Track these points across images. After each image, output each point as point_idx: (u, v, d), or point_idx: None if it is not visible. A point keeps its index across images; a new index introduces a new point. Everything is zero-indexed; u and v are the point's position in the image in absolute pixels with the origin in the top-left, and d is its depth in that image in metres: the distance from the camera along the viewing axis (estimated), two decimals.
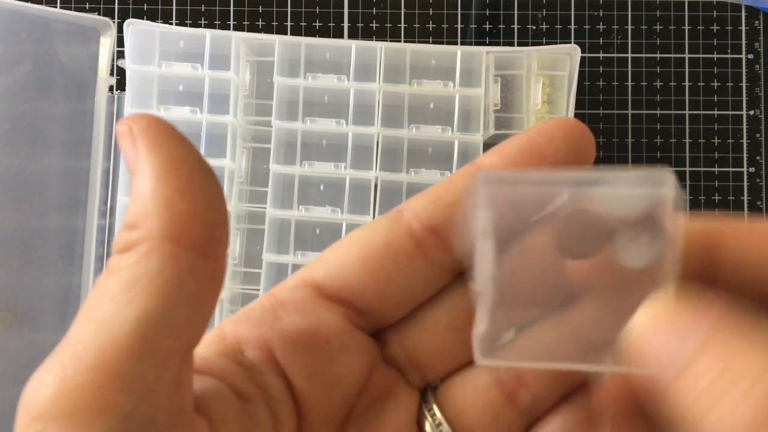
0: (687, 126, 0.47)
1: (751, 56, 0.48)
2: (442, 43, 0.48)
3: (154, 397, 0.17)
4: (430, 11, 0.48)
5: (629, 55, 0.48)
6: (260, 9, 0.48)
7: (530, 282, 0.22)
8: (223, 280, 0.19)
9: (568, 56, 0.42)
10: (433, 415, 0.23)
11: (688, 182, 0.48)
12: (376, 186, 0.42)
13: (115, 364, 0.17)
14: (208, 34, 0.43)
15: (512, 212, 0.21)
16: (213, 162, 0.42)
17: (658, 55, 0.48)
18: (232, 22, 0.48)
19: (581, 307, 0.22)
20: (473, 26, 0.48)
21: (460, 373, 0.23)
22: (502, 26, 0.48)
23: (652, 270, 0.20)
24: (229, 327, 0.21)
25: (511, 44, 0.48)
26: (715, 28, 0.48)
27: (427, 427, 0.23)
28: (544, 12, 0.48)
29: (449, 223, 0.22)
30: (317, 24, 0.48)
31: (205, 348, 0.21)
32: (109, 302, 0.17)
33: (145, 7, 0.48)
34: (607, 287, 0.21)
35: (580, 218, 0.21)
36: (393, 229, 0.22)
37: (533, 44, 0.48)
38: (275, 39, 0.43)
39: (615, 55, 0.48)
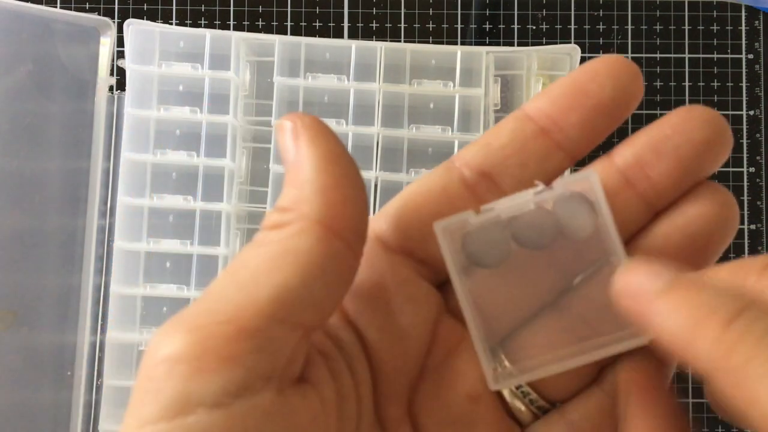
0: None
1: (751, 56, 0.48)
2: (442, 43, 0.48)
3: (276, 359, 0.18)
4: (430, 11, 0.48)
5: (629, 55, 0.48)
6: (260, 9, 0.48)
7: (513, 294, 0.23)
8: (356, 272, 0.21)
9: (568, 56, 0.42)
10: (503, 367, 0.23)
11: None
12: (376, 186, 0.42)
13: (249, 322, 0.18)
14: (208, 34, 0.43)
15: (476, 244, 0.22)
16: (213, 162, 0.42)
17: (658, 55, 0.48)
18: (232, 22, 0.48)
19: (567, 299, 0.23)
20: (473, 26, 0.48)
21: (528, 325, 0.23)
22: (502, 26, 0.48)
23: (598, 236, 0.22)
24: None
25: (511, 44, 0.48)
26: (715, 28, 0.48)
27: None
28: (544, 12, 0.48)
29: (499, 167, 0.23)
30: (317, 24, 0.48)
31: None
32: (255, 268, 0.19)
33: (145, 7, 0.48)
34: (571, 265, 0.23)
35: (531, 216, 0.22)
36: (446, 178, 0.23)
37: (533, 44, 0.48)
38: (275, 39, 0.43)
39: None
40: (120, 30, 0.44)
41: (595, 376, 0.23)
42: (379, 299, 0.22)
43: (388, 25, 0.48)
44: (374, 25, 0.48)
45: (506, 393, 0.23)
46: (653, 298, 0.18)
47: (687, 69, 0.48)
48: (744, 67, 0.48)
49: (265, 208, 0.42)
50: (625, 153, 0.22)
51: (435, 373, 0.22)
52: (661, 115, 0.23)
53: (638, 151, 0.22)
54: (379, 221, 0.23)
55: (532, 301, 0.23)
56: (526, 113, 0.23)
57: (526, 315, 0.23)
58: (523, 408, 0.23)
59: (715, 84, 0.48)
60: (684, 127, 0.22)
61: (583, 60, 0.44)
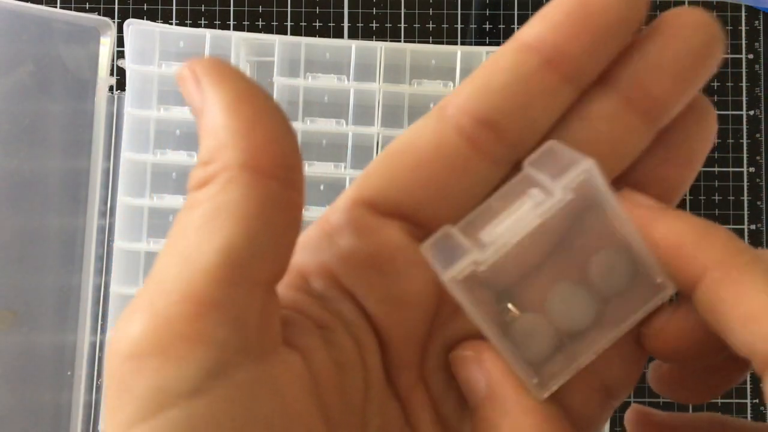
0: None
1: (751, 56, 0.48)
2: (442, 43, 0.48)
3: (246, 326, 0.17)
4: (430, 11, 0.48)
5: None
6: (260, 9, 0.48)
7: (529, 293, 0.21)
8: (302, 210, 0.19)
9: None
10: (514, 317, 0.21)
11: None
12: None
13: (205, 293, 0.17)
14: (208, 34, 0.43)
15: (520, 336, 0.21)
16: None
17: None
18: (232, 22, 0.48)
19: (588, 271, 0.21)
20: (473, 26, 0.48)
21: (536, 272, 0.21)
22: (502, 26, 0.48)
23: (609, 227, 0.20)
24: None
25: None
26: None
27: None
28: None
29: (502, 112, 0.20)
30: (317, 24, 0.48)
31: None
32: (193, 235, 0.17)
33: (145, 7, 0.48)
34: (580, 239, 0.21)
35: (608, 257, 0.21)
36: (440, 130, 0.20)
37: None
38: (275, 39, 0.43)
39: None
40: (120, 30, 0.44)
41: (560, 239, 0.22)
42: (375, 268, 0.20)
43: (388, 25, 0.48)
44: (374, 25, 0.48)
45: None
46: (655, 214, 0.19)
47: None
48: (744, 67, 0.48)
49: None
50: (621, 74, 0.20)
51: (442, 333, 0.21)
52: None
53: (635, 69, 0.20)
54: (367, 185, 0.21)
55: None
56: (525, 43, 0.20)
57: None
58: None
59: (715, 84, 0.48)
60: (678, 35, 0.20)
61: None
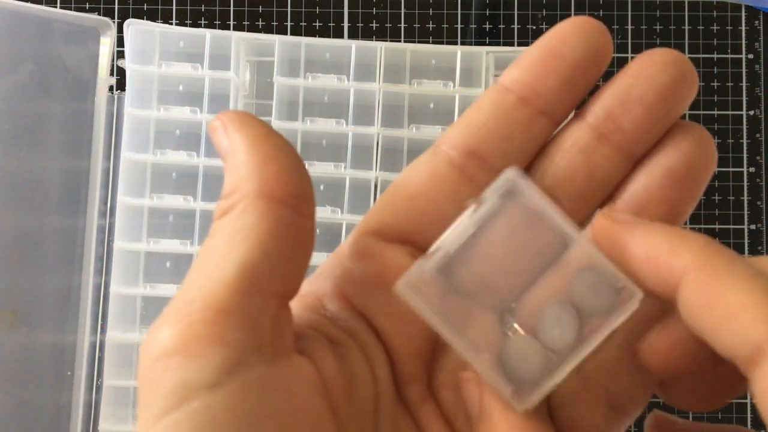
0: None
1: (751, 56, 0.48)
2: (442, 43, 0.48)
3: (260, 331, 0.19)
4: (430, 11, 0.48)
5: (629, 54, 0.48)
6: (260, 9, 0.48)
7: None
8: (313, 238, 0.21)
9: None
10: (515, 333, 0.23)
11: None
12: (376, 186, 0.42)
13: (223, 301, 0.19)
14: (208, 34, 0.43)
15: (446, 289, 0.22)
16: (213, 162, 0.42)
17: None
18: (232, 22, 0.48)
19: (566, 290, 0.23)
20: (473, 26, 0.48)
21: (531, 289, 0.23)
22: (502, 26, 0.48)
23: (550, 228, 0.22)
24: (306, 287, 0.23)
25: (512, 44, 0.48)
26: (715, 28, 0.48)
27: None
28: (544, 12, 0.48)
29: (485, 143, 0.23)
30: (317, 24, 0.48)
31: (292, 309, 0.23)
32: (215, 255, 0.20)
33: (145, 7, 0.48)
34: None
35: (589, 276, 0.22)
36: (433, 163, 0.23)
37: None
38: (275, 39, 0.43)
39: (615, 55, 0.48)
40: (120, 30, 0.44)
41: (551, 259, 0.23)
42: (383, 288, 0.22)
43: (388, 25, 0.48)
44: (374, 25, 0.48)
45: None
46: (631, 227, 0.20)
47: None
48: (744, 67, 0.48)
49: None
50: (594, 109, 0.23)
51: (449, 349, 0.23)
52: None
53: (606, 104, 0.23)
54: (372, 218, 0.23)
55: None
56: (502, 85, 0.23)
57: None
58: None
59: (715, 84, 0.48)
60: (646, 73, 0.22)
61: None
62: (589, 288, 0.22)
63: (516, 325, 0.23)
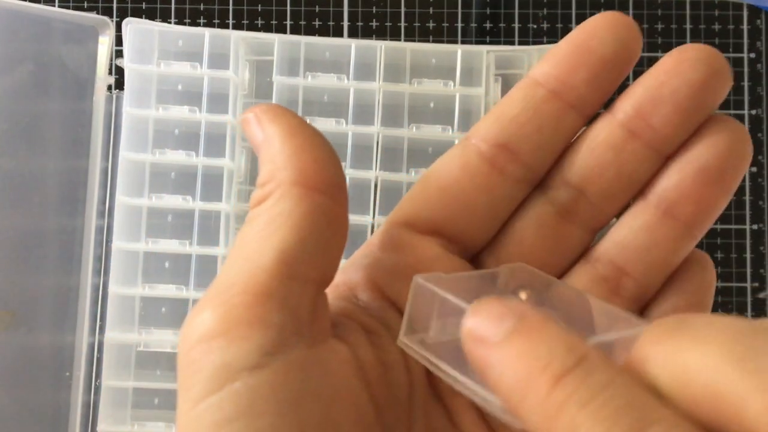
0: None
1: (752, 55, 0.48)
2: (442, 42, 0.47)
3: (299, 315, 0.20)
4: (431, 10, 0.48)
5: None
6: (259, 8, 0.48)
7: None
8: (346, 227, 0.22)
9: None
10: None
11: None
12: (376, 186, 0.42)
13: (263, 285, 0.19)
14: (207, 33, 0.42)
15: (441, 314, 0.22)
16: (212, 162, 0.42)
17: (659, 54, 0.48)
18: (231, 21, 0.48)
19: None
20: (474, 25, 0.47)
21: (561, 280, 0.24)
22: (502, 25, 0.48)
23: None
24: (338, 277, 0.23)
25: (512, 43, 0.48)
26: (716, 27, 0.48)
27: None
28: (545, 11, 0.48)
29: (516, 136, 0.23)
30: (317, 23, 0.48)
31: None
32: (253, 241, 0.20)
33: (144, 6, 0.47)
34: None
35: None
36: (464, 156, 0.24)
37: (534, 43, 0.47)
38: (275, 38, 0.42)
39: None
40: (118, 29, 0.43)
41: (580, 252, 0.24)
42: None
43: (388, 24, 0.48)
44: (374, 24, 0.48)
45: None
46: (492, 347, 0.17)
47: None
48: (746, 66, 0.48)
49: None
50: (624, 106, 0.23)
51: None
52: None
53: (637, 101, 0.23)
54: (404, 209, 0.24)
55: None
56: (533, 79, 0.23)
57: None
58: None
59: None
60: (678, 70, 0.22)
61: None
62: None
63: None
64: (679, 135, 0.23)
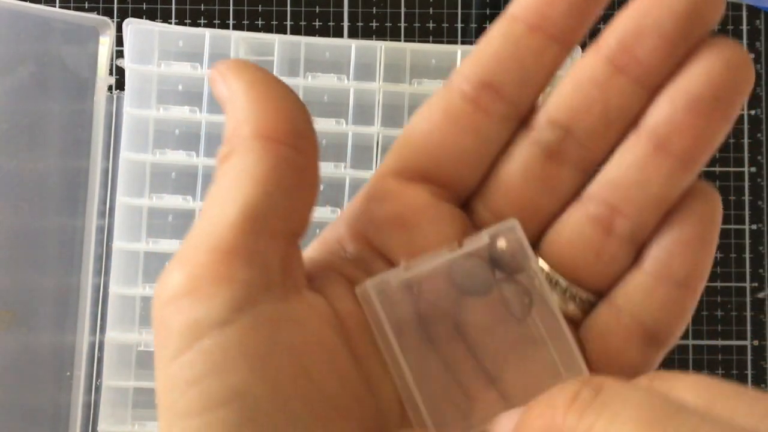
0: None
1: (752, 56, 0.48)
2: (442, 42, 0.48)
3: (268, 270, 0.20)
4: (431, 11, 0.48)
5: None
6: (260, 8, 0.48)
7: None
8: (317, 177, 0.21)
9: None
10: (540, 269, 0.23)
11: None
12: None
13: (228, 242, 0.19)
14: (207, 33, 0.42)
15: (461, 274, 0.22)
16: (212, 162, 0.42)
17: None
18: (231, 22, 0.48)
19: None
20: (474, 25, 0.48)
21: (555, 222, 0.23)
22: None
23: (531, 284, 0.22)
24: (328, 231, 0.23)
25: None
26: (715, 27, 0.48)
27: (536, 282, 0.23)
28: None
29: (498, 74, 0.22)
30: (317, 23, 0.48)
31: (314, 253, 0.23)
32: (218, 198, 0.20)
33: (144, 6, 0.47)
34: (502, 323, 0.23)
35: (469, 262, 0.22)
36: (446, 98, 0.23)
37: None
38: (275, 38, 0.42)
39: None
40: (119, 29, 0.44)
41: (633, 257, 0.23)
42: (403, 227, 0.23)
43: (388, 24, 0.48)
44: (374, 24, 0.48)
45: (558, 298, 0.23)
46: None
47: None
48: None
49: None
50: (608, 40, 0.22)
51: None
52: None
53: (620, 34, 0.22)
54: (391, 158, 0.23)
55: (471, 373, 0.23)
56: (511, 15, 0.23)
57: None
58: (574, 307, 0.23)
59: None
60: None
61: None
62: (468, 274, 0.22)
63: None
64: (667, 66, 0.21)
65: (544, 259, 0.23)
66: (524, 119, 0.23)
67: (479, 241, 0.22)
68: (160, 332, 0.19)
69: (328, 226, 0.24)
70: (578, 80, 0.22)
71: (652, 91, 0.22)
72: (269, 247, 0.20)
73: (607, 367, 0.22)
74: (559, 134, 0.23)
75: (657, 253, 0.22)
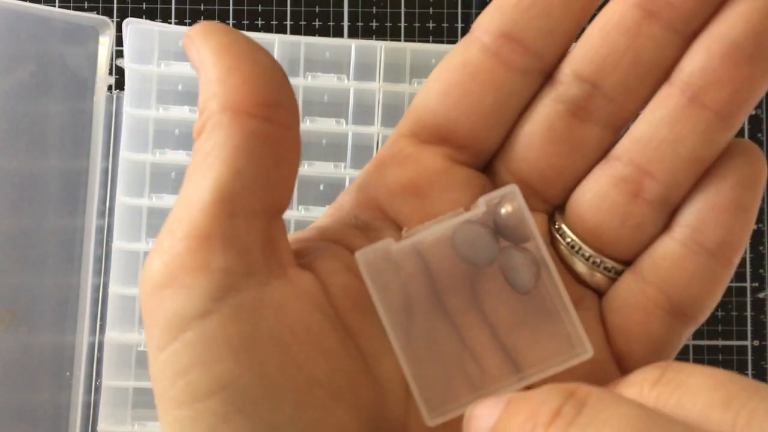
0: None
1: None
2: (442, 42, 0.47)
3: (248, 253, 0.19)
4: (430, 10, 0.48)
5: None
6: (260, 8, 0.48)
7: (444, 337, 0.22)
8: (298, 147, 0.20)
9: None
10: (563, 236, 0.21)
11: None
12: None
13: (203, 228, 0.18)
14: None
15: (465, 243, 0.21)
16: None
17: None
18: (231, 22, 0.48)
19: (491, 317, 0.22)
20: None
21: (578, 186, 0.21)
22: None
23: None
24: (344, 197, 0.22)
25: None
26: None
27: (562, 249, 0.21)
28: None
29: (520, 23, 0.21)
30: (317, 23, 0.48)
31: (325, 221, 0.22)
32: (192, 180, 0.19)
33: (144, 6, 0.47)
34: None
35: (471, 230, 0.21)
36: (466, 51, 0.21)
37: None
38: (275, 38, 0.42)
39: None
40: (119, 29, 0.44)
41: (665, 223, 0.21)
42: (416, 194, 0.21)
43: (388, 24, 0.48)
44: (374, 24, 0.48)
45: (582, 267, 0.21)
46: None
47: None
48: None
49: None
50: None
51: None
52: None
53: None
54: (408, 117, 0.22)
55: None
56: None
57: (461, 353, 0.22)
58: (600, 277, 0.21)
59: None
60: None
61: None
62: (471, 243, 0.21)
63: None
64: (703, 10, 0.19)
65: (568, 225, 0.21)
66: (549, 73, 0.21)
67: (477, 208, 0.21)
68: (147, 322, 0.19)
69: (345, 191, 0.22)
70: (606, 28, 0.20)
71: (687, 39, 0.20)
72: (247, 229, 0.19)
73: (629, 342, 0.21)
74: (585, 89, 0.21)
75: (688, 219, 0.20)
